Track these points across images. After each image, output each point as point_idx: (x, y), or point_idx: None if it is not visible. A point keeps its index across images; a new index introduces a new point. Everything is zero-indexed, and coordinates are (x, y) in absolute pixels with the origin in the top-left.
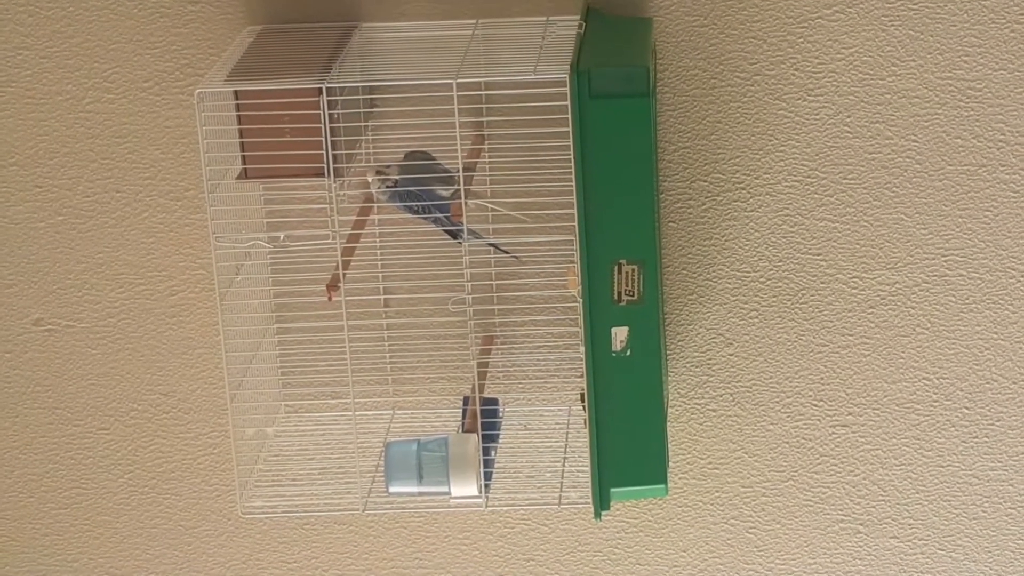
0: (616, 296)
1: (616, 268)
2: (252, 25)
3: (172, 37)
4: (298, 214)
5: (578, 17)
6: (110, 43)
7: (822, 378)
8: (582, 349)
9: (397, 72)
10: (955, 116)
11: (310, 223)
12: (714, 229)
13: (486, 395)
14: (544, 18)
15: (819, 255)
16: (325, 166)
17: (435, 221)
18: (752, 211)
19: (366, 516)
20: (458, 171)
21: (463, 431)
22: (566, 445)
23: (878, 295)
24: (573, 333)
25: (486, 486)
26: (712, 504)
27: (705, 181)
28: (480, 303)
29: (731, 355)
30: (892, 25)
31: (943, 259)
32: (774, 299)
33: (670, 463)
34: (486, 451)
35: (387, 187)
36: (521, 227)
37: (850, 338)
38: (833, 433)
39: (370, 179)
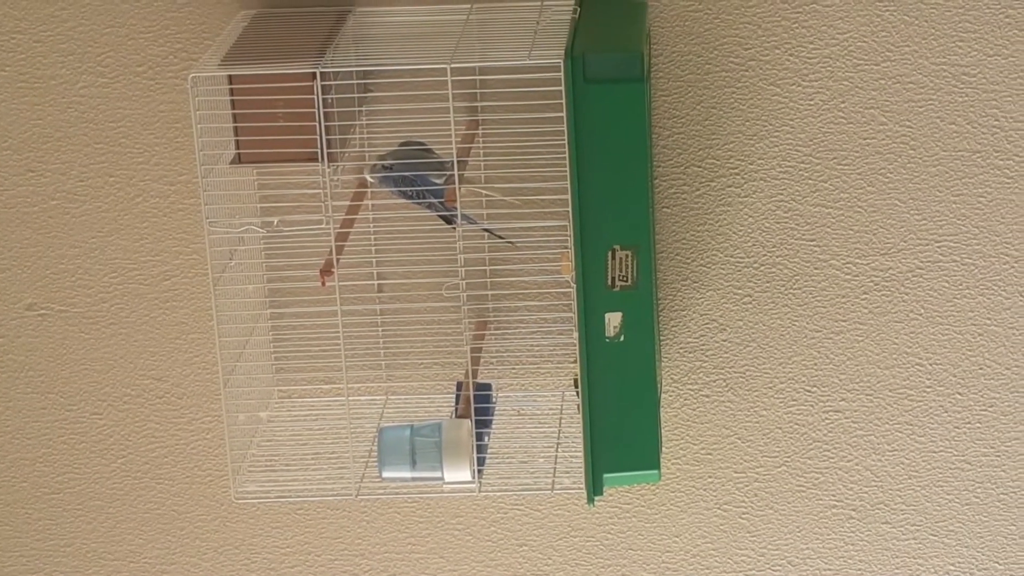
0: (610, 281)
1: (610, 253)
2: (246, 9)
3: (166, 21)
4: (292, 199)
5: (573, 1)
6: (104, 27)
7: (815, 364)
8: (576, 334)
9: (391, 57)
10: (949, 102)
11: (304, 208)
12: (708, 215)
13: (479, 380)
14: (539, 2)
15: (813, 241)
16: (319, 151)
17: (429, 206)
18: (746, 197)
19: (359, 501)
20: (452, 156)
21: (456, 416)
22: (559, 431)
23: (872, 281)
24: (567, 318)
25: (479, 471)
26: (705, 490)
27: (699, 167)
28: (474, 288)
29: (724, 341)
30: (887, 10)
31: (937, 245)
32: (768, 285)
33: (663, 449)
34: (479, 436)
35: (381, 171)
36: (515, 212)
37: (843, 324)
38: (826, 419)
39: (367, 176)
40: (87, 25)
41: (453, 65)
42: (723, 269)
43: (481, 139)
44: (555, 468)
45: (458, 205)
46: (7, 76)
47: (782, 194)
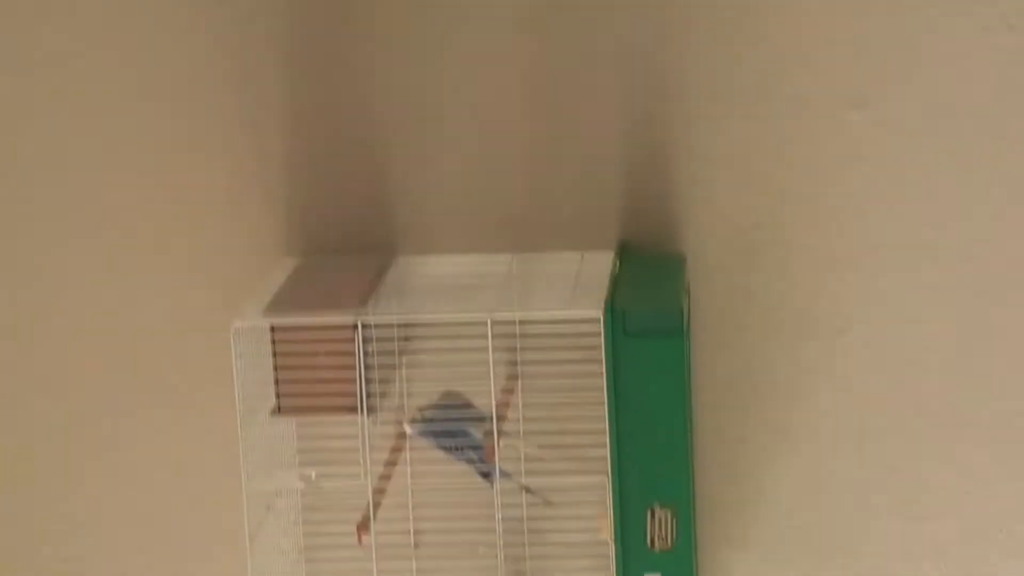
0: (649, 541)
1: (649, 512)
2: (289, 257)
3: (208, 269)
4: (331, 451)
5: (612, 253)
6: (148, 275)
7: None
8: None
9: (432, 308)
10: (984, 354)
11: (342, 460)
12: (749, 473)
13: None
14: (579, 253)
15: (857, 503)
16: (359, 403)
17: (468, 460)
18: (788, 456)
19: None
20: (491, 410)
21: None
22: None
23: (919, 547)
24: None
25: None
26: None
27: (739, 424)
28: (511, 546)
29: None
30: (922, 262)
31: (980, 509)
32: (810, 547)
33: None
34: None
35: (421, 423)
36: (553, 468)
37: None
38: None
39: (407, 426)
40: (131, 275)
41: (493, 317)
42: (764, 530)
43: (520, 391)
44: None
45: (496, 460)
46: (43, 325)
47: (824, 454)
